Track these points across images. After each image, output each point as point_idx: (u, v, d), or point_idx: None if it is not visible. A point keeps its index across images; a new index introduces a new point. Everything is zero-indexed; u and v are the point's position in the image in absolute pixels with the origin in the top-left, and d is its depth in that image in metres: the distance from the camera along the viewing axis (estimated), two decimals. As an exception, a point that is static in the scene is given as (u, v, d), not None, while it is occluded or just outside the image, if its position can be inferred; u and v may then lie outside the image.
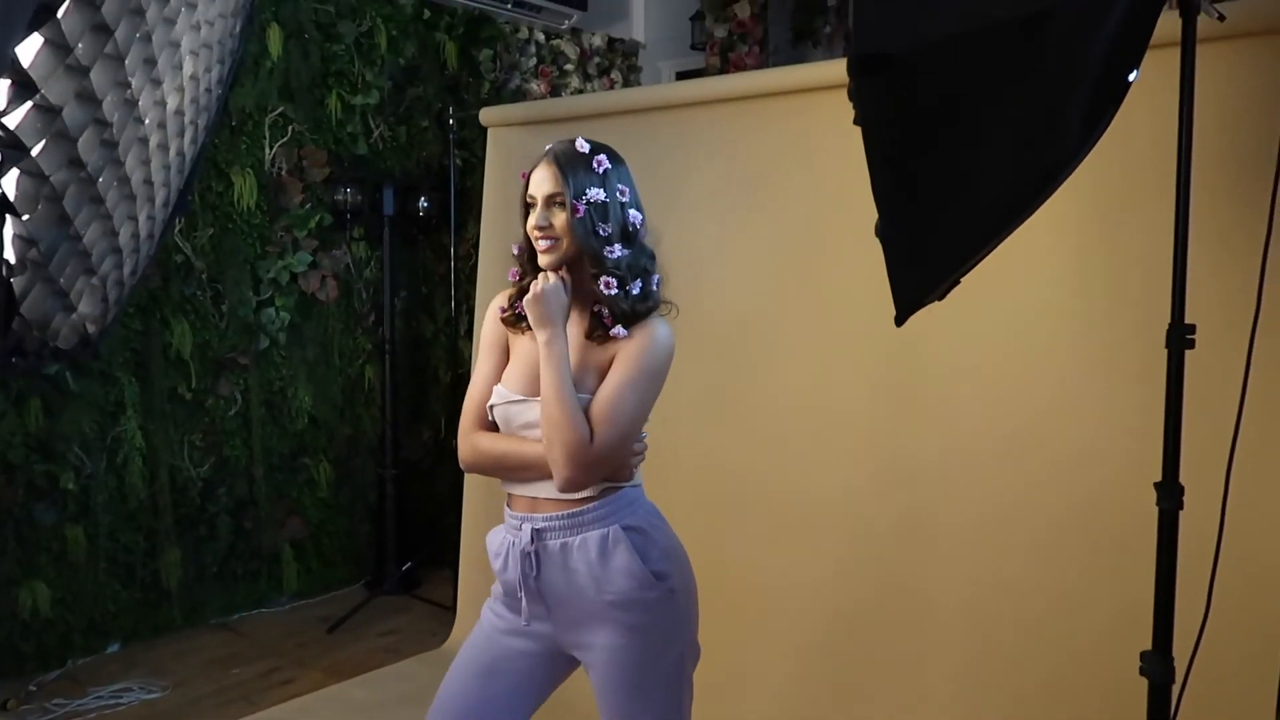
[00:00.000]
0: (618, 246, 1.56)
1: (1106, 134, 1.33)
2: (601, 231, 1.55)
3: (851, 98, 1.46)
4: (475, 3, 4.32)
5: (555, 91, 4.68)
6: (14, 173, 1.04)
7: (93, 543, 3.26)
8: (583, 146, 1.57)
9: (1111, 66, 1.32)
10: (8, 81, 0.98)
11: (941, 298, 1.55)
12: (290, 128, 3.68)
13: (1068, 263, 2.14)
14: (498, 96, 4.35)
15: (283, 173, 3.68)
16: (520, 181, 1.61)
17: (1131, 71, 1.32)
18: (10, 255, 1.10)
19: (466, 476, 3.35)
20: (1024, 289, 2.18)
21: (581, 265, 1.58)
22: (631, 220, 1.59)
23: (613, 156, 1.59)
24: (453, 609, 3.46)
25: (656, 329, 1.57)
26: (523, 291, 1.62)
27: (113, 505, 3.31)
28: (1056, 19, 1.34)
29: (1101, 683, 2.04)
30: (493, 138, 3.36)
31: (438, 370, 4.31)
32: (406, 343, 4.18)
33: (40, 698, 2.99)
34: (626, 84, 5.13)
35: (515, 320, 1.64)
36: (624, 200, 1.58)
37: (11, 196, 1.05)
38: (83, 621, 3.26)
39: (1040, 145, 1.38)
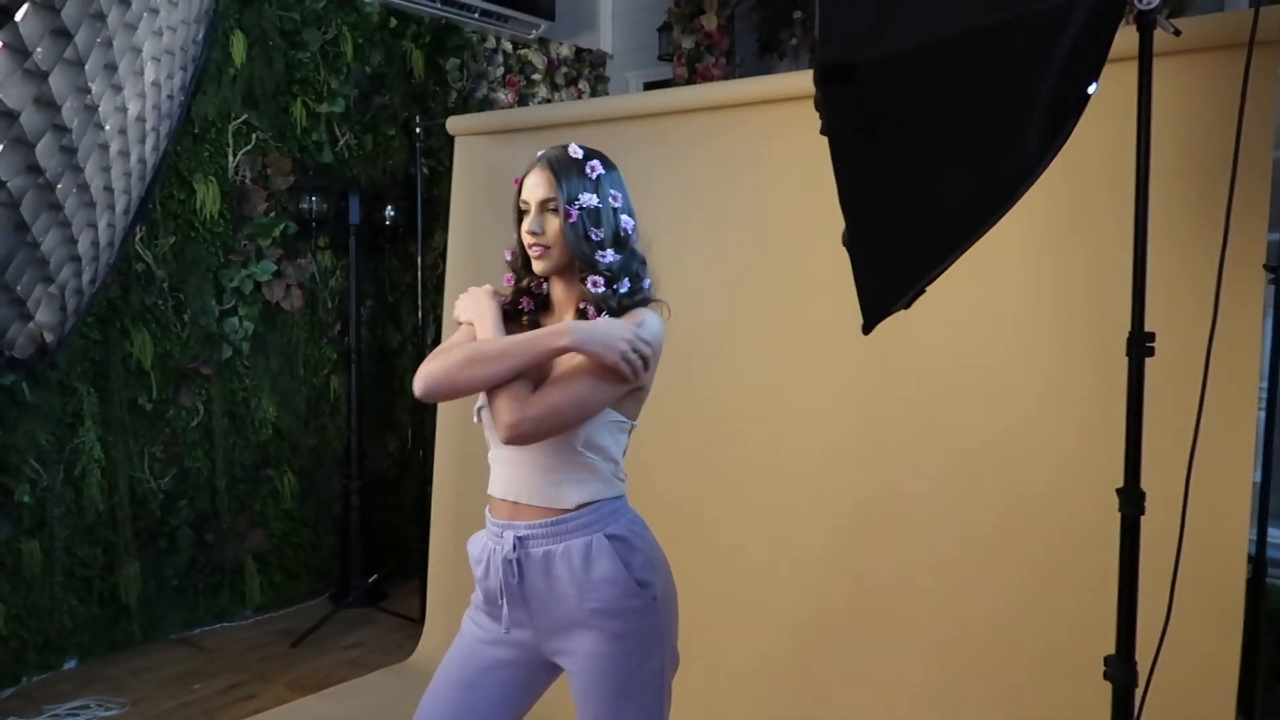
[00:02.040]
0: (610, 252, 1.56)
1: (1067, 145, 1.35)
2: (594, 236, 1.55)
3: (818, 107, 1.47)
4: (442, 11, 4.31)
5: (523, 101, 4.68)
6: (-31, 178, 1.02)
7: (49, 557, 3.19)
8: (576, 152, 1.58)
9: (1071, 79, 1.35)
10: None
11: (908, 306, 1.57)
12: (254, 135, 3.64)
13: (1030, 271, 2.17)
14: (464, 105, 4.34)
15: (246, 181, 3.64)
16: (514, 187, 1.61)
17: (1091, 84, 1.35)
18: (-35, 263, 1.07)
19: (434, 487, 3.33)
20: (987, 297, 2.21)
21: (574, 270, 1.59)
22: (624, 226, 1.59)
23: (605, 162, 1.60)
24: (420, 621, 3.43)
25: (645, 316, 1.56)
26: (518, 293, 1.65)
27: (70, 518, 3.24)
28: (1018, 32, 1.36)
29: (1065, 686, 2.06)
30: (460, 147, 3.35)
31: (404, 380, 4.27)
32: (372, 353, 4.15)
33: (-6, 716, 2.93)
34: (594, 94, 5.14)
35: (516, 314, 1.65)
36: (616, 206, 1.59)
37: (-34, 203, 1.03)
38: (38, 638, 3.18)
39: (1002, 155, 1.40)
